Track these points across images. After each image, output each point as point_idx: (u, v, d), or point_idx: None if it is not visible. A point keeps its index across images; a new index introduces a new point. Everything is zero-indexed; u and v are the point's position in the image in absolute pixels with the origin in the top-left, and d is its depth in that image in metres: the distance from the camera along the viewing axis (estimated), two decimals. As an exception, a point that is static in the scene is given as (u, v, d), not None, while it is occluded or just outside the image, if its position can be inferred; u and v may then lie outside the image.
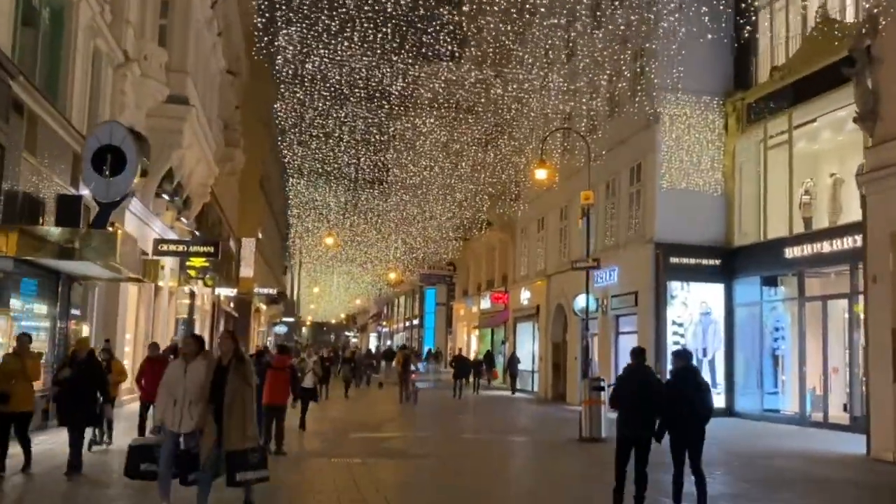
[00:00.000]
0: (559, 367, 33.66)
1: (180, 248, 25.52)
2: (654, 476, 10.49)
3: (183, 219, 29.86)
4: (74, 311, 18.48)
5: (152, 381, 12.95)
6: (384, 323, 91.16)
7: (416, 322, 71.84)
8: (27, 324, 15.70)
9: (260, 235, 62.96)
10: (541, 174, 23.03)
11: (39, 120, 15.21)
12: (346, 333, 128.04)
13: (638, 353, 11.03)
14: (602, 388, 19.28)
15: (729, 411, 24.44)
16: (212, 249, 25.65)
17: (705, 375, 24.42)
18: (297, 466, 13.96)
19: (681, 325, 24.84)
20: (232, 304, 54.47)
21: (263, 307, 72.46)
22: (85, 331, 18.72)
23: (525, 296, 38.29)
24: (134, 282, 19.53)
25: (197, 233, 33.65)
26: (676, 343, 24.69)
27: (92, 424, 11.42)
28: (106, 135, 14.47)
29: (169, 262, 28.07)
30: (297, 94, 32.81)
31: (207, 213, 40.09)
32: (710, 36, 23.00)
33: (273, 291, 64.38)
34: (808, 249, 21.67)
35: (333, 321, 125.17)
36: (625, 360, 26.95)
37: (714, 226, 25.29)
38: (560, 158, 32.37)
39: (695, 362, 24.47)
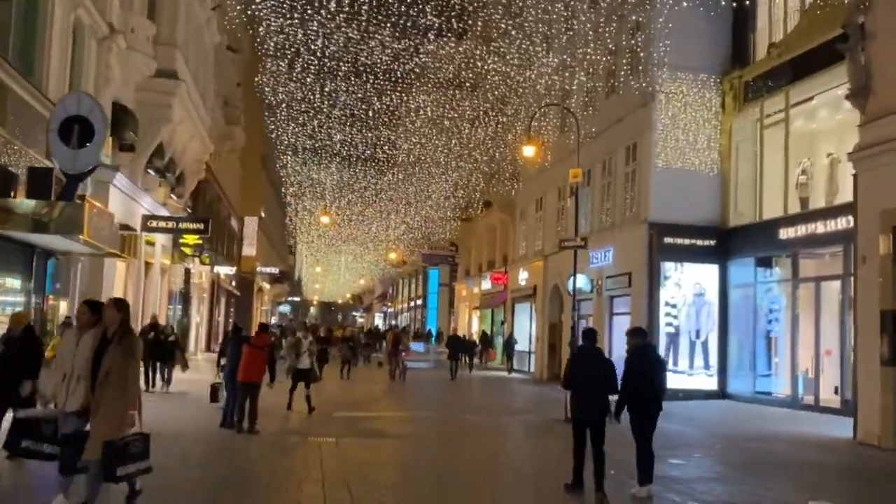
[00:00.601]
0: (555, 348, 33.39)
1: (170, 224, 25.31)
2: (616, 456, 10.28)
3: (174, 195, 29.61)
4: (55, 286, 18.28)
5: None
6: (389, 303, 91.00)
7: (419, 302, 71.64)
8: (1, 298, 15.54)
9: (263, 214, 62.79)
10: (529, 151, 22.67)
11: (10, 92, 14.94)
12: (354, 313, 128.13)
13: (589, 335, 10.95)
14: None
15: (721, 393, 24.17)
16: (202, 226, 25.48)
17: (698, 357, 24.39)
18: (267, 446, 13.73)
19: (674, 306, 24.49)
20: (233, 283, 54.30)
21: (267, 286, 72.39)
22: (63, 307, 18.50)
23: (523, 276, 38.00)
24: (113, 257, 19.27)
25: (189, 210, 33.46)
26: (669, 325, 24.45)
27: (26, 405, 10.67)
28: (73, 104, 14.15)
29: (161, 239, 27.91)
30: (283, 68, 32.42)
31: (205, 190, 39.86)
32: (705, 10, 22.58)
33: (275, 270, 64.25)
34: (802, 230, 21.28)
35: (340, 301, 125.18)
36: (618, 341, 26.74)
37: (710, 206, 24.89)
38: (557, 137, 32.02)
39: (688, 344, 24.50)
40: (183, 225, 25.74)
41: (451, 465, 12.54)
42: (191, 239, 29.42)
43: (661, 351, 24.27)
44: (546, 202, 35.47)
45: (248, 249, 59.16)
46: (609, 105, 28.42)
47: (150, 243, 26.62)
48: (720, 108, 25.04)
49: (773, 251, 22.81)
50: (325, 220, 49.90)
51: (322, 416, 18.20)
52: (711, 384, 24.30)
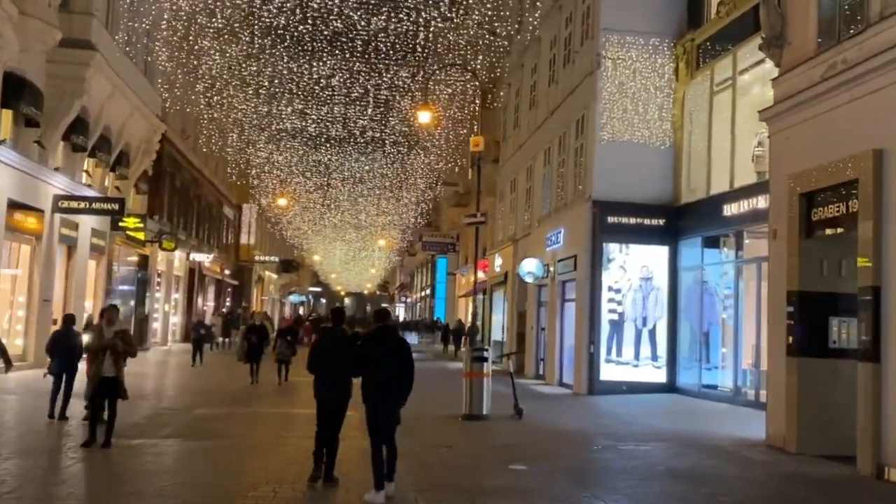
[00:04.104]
0: (524, 338, 31.34)
1: (82, 205, 23.82)
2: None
3: (116, 177, 28.18)
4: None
5: None
6: (407, 293, 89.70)
7: (428, 292, 70.06)
8: None
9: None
10: (424, 117, 20.74)
11: None
12: (383, 304, 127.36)
13: (335, 315, 10.51)
14: (486, 359, 17.11)
15: (670, 387, 21.99)
16: (116, 206, 23.96)
17: (645, 347, 22.28)
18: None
19: (618, 291, 22.34)
20: (226, 271, 53.03)
21: (273, 276, 71.18)
22: None
23: (498, 262, 36.09)
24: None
25: (147, 194, 32.22)
26: (612, 311, 22.35)
27: None
28: None
29: (91, 222, 26.42)
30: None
31: (176, 174, 38.59)
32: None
33: (275, 259, 62.81)
34: (745, 206, 18.98)
35: (365, 292, 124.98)
36: (569, 328, 24.57)
37: (660, 182, 22.65)
38: (528, 113, 30.07)
39: (633, 333, 22.35)
40: (96, 205, 24.21)
41: (227, 475, 10.58)
42: (131, 222, 27.94)
43: (603, 340, 22.25)
44: (518, 183, 33.43)
45: (246, 237, 58.04)
46: (565, 76, 26.36)
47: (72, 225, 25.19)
48: (673, 76, 22.81)
49: (719, 229, 20.53)
50: (282, 202, 48.22)
51: (181, 412, 16.29)
52: (659, 376, 22.14)
